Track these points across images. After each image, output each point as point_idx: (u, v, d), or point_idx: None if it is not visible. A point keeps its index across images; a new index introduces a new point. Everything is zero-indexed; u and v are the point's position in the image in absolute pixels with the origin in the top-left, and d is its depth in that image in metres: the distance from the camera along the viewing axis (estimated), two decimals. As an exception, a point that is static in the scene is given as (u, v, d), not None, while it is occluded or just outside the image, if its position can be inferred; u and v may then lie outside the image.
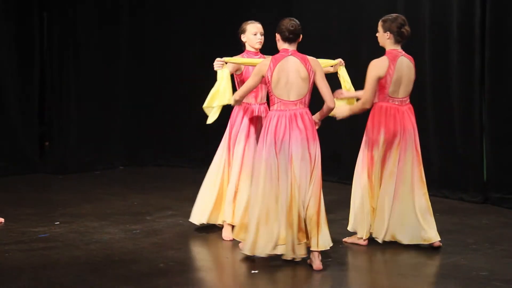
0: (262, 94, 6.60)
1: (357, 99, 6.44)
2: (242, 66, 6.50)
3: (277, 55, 5.76)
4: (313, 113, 5.84)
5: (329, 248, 5.76)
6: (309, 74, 5.71)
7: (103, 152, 10.08)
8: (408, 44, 6.34)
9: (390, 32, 6.20)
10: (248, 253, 5.76)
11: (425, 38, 8.20)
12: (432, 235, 6.20)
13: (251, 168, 6.26)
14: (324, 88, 5.76)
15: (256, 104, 6.60)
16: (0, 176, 9.17)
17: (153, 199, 8.19)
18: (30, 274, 5.54)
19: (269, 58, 5.80)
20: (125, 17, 10.19)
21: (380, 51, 6.36)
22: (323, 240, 5.69)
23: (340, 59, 6.58)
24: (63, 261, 5.87)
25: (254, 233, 5.69)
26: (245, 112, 6.57)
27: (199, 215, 6.68)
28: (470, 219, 7.32)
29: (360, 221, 6.29)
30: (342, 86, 6.61)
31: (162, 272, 5.63)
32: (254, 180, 5.79)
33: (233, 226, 6.44)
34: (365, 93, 6.17)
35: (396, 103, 6.23)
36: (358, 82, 6.49)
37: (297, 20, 5.78)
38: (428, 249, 6.20)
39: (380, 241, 6.26)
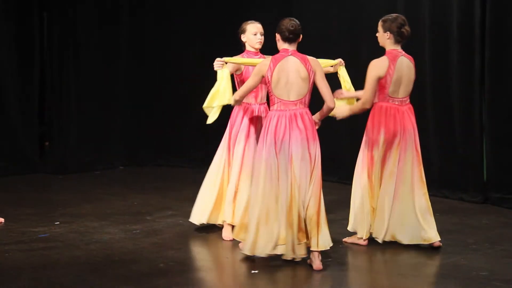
0: (262, 94, 6.60)
1: (357, 99, 6.44)
2: (242, 66, 6.50)
3: (277, 55, 5.76)
4: (313, 113, 5.84)
5: (329, 248, 5.76)
6: (309, 74, 5.71)
7: (103, 152, 10.08)
8: (408, 44, 6.34)
9: (390, 32, 6.20)
10: (248, 253, 5.76)
11: (425, 38, 8.19)
12: (432, 235, 6.20)
13: (251, 168, 6.26)
14: (324, 88, 5.76)
15: (256, 104, 6.60)
16: (0, 176, 9.17)
17: (153, 199, 8.19)
18: (30, 274, 5.54)
19: (269, 58, 5.80)
20: (125, 17, 10.19)
21: (380, 51, 6.35)
22: (323, 240, 5.69)
23: (340, 59, 6.58)
24: (63, 261, 5.87)
25: (254, 233, 5.68)
26: (245, 112, 6.57)
27: (199, 215, 6.68)
28: (470, 219, 7.32)
29: (360, 221, 6.29)
30: (342, 86, 6.61)
31: (162, 272, 5.63)
32: (254, 180, 5.79)
33: (233, 226, 6.44)
34: (365, 93, 6.17)
35: (396, 103, 6.23)
36: (358, 82, 6.49)
37: (297, 20, 5.78)
38: (428, 249, 6.20)
39: (380, 241, 6.26)
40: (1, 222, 6.99)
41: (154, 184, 9.11)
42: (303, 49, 5.87)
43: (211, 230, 6.73)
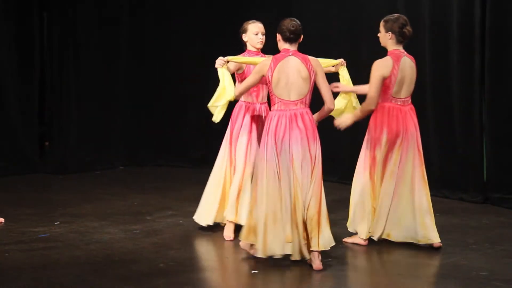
0: (264, 93, 6.60)
1: (357, 98, 6.43)
2: (244, 65, 6.50)
3: (278, 55, 5.76)
4: (313, 113, 5.83)
5: (329, 248, 5.76)
6: (310, 74, 5.70)
7: (103, 152, 10.07)
8: (408, 44, 6.33)
9: (392, 33, 6.18)
10: (261, 255, 5.69)
11: (425, 38, 8.19)
12: (432, 236, 6.20)
13: (254, 166, 6.26)
14: (324, 88, 5.76)
15: (257, 103, 6.60)
16: (0, 176, 9.17)
17: (153, 199, 8.19)
18: (30, 274, 5.53)
19: (270, 58, 5.80)
20: (125, 17, 10.19)
21: (380, 51, 6.35)
22: (323, 240, 5.67)
23: (341, 59, 6.56)
24: (63, 261, 5.87)
25: (262, 234, 5.66)
26: (245, 111, 6.57)
27: (205, 216, 6.67)
28: (470, 219, 7.32)
29: (360, 221, 6.28)
30: (343, 86, 6.60)
31: (162, 272, 5.63)
32: (258, 181, 5.75)
33: (235, 225, 6.45)
34: (370, 93, 6.12)
35: (399, 103, 6.22)
36: (358, 82, 6.49)
37: (297, 20, 5.78)
38: (428, 249, 6.20)
39: (375, 239, 6.25)
40: (1, 222, 6.99)
41: (154, 184, 9.11)
42: (303, 49, 5.87)
43: (211, 230, 6.73)
